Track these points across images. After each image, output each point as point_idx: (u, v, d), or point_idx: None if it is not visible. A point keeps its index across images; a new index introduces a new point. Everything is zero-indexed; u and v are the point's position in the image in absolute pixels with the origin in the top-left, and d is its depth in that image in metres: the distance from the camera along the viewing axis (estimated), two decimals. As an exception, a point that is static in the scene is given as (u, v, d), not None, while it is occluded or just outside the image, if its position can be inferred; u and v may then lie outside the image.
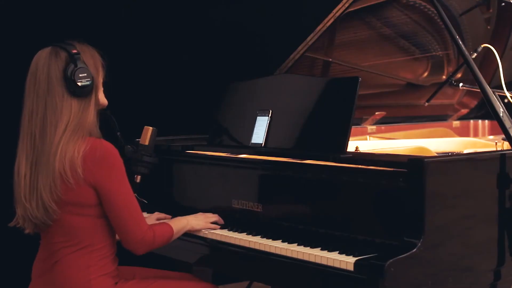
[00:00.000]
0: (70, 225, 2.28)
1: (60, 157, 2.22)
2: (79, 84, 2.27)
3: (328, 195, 2.50)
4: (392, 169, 2.31)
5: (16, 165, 2.31)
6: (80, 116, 2.27)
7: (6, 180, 2.40)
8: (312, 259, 2.30)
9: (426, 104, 3.91)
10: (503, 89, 3.06)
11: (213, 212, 2.80)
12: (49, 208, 2.23)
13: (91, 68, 2.32)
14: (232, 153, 2.92)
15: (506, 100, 3.05)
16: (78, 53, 2.29)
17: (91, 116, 2.31)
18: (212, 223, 2.69)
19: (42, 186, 2.23)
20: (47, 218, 2.25)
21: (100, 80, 2.38)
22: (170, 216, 2.77)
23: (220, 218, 2.73)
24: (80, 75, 2.27)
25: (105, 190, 2.25)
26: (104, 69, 2.40)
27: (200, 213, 2.72)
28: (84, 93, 2.28)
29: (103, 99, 2.40)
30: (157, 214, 2.82)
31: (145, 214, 2.88)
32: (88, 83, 2.28)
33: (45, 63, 2.28)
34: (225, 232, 2.63)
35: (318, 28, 3.11)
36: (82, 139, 2.25)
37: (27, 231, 2.32)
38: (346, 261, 2.20)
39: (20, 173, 2.28)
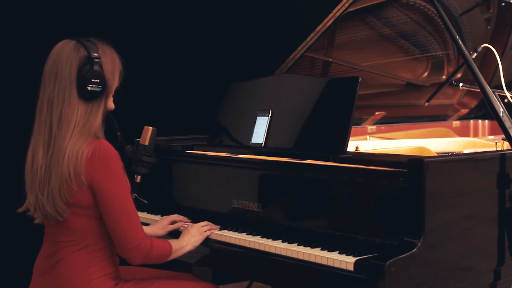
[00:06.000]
0: (73, 225, 2.27)
1: (67, 161, 2.21)
2: (89, 88, 2.25)
3: (328, 195, 2.50)
4: (392, 169, 2.31)
5: (30, 150, 2.29)
6: (87, 119, 2.26)
7: (5, 177, 2.40)
8: (312, 259, 2.30)
9: (426, 104, 3.91)
10: (503, 89, 3.06)
11: (213, 212, 2.80)
12: (58, 207, 2.23)
13: (107, 73, 2.30)
14: (232, 153, 2.92)
15: (506, 100, 3.04)
16: (98, 57, 2.26)
17: (99, 120, 2.29)
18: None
19: (53, 185, 2.22)
20: (58, 215, 2.25)
21: (114, 86, 2.35)
22: (186, 219, 2.78)
23: (212, 225, 2.67)
24: (93, 80, 2.25)
25: (101, 191, 2.24)
26: (121, 77, 2.37)
27: (190, 225, 2.64)
28: (91, 98, 2.26)
29: (110, 105, 2.37)
30: (175, 217, 2.80)
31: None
32: (98, 89, 2.26)
33: (69, 56, 2.25)
34: (225, 232, 2.62)
35: (318, 28, 3.11)
36: (87, 143, 2.24)
37: (37, 221, 2.31)
38: (346, 261, 2.20)
39: (35, 161, 2.26)
